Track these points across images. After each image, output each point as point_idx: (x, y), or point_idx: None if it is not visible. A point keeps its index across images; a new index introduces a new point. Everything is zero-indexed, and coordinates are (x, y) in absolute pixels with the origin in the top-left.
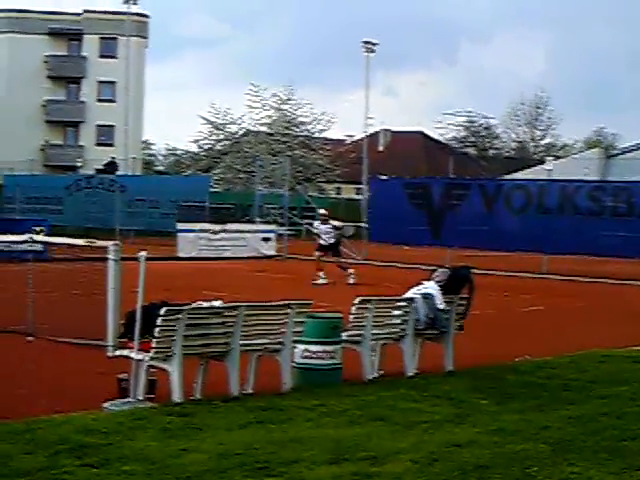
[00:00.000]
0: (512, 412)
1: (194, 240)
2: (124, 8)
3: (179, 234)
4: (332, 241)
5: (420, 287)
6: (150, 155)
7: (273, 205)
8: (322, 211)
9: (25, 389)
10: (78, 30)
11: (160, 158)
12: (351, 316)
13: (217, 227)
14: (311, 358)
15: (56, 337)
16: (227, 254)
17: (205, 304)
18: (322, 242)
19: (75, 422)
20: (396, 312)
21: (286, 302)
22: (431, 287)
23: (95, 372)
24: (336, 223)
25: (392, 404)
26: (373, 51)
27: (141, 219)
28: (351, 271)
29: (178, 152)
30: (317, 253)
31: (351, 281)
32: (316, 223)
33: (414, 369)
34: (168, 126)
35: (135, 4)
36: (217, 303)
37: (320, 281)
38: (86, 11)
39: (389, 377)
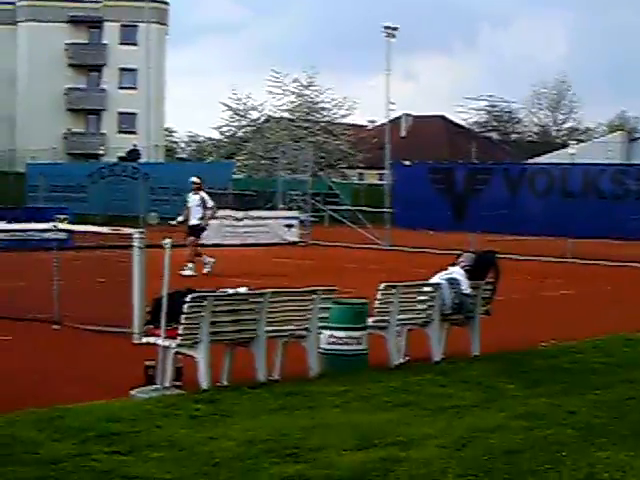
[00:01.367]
0: (539, 397)
1: (217, 227)
2: None
3: None
4: (194, 222)
5: (446, 272)
6: (172, 142)
7: (296, 191)
8: (192, 179)
9: (52, 377)
10: (98, 18)
11: (182, 145)
12: (376, 302)
13: (240, 214)
14: (337, 344)
15: (82, 325)
16: (250, 240)
17: (230, 291)
18: (191, 222)
19: (103, 409)
20: (422, 297)
21: (311, 288)
22: (457, 272)
23: (121, 359)
24: (207, 198)
25: (419, 389)
26: (394, 36)
27: (164, 206)
28: (210, 259)
29: (200, 139)
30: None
31: (187, 272)
32: (189, 194)
33: (440, 354)
34: (190, 113)
35: None
36: (242, 289)
37: (187, 272)
38: None
39: (415, 362)
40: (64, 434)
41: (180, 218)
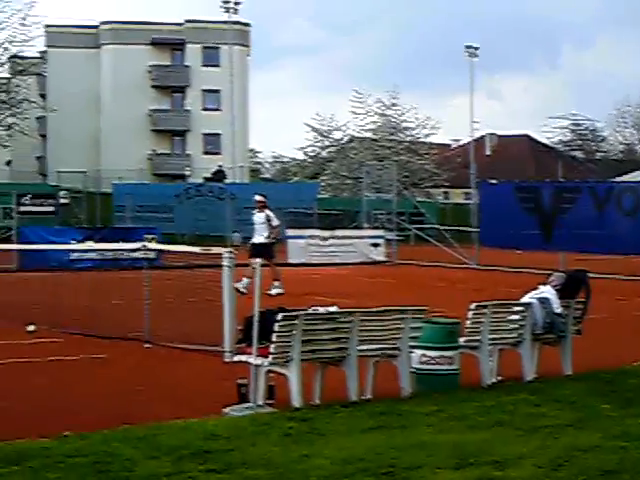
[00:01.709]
0: (635, 416)
1: (304, 246)
2: (225, 17)
3: (289, 240)
4: (260, 240)
5: (536, 291)
6: (257, 163)
7: (381, 210)
8: (256, 197)
9: (145, 395)
10: (180, 40)
11: (266, 166)
12: (468, 321)
13: (326, 233)
14: (429, 363)
15: (173, 343)
16: (336, 260)
17: (321, 309)
18: (256, 240)
19: (197, 427)
20: (513, 317)
21: (402, 307)
22: (547, 291)
23: (212, 378)
24: (272, 216)
25: (512, 409)
26: (476, 55)
27: (250, 226)
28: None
29: (284, 160)
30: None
31: (273, 292)
32: (254, 212)
33: (532, 374)
34: (273, 134)
35: (236, 13)
36: (333, 309)
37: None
38: (188, 21)
39: (507, 382)
40: (159, 452)
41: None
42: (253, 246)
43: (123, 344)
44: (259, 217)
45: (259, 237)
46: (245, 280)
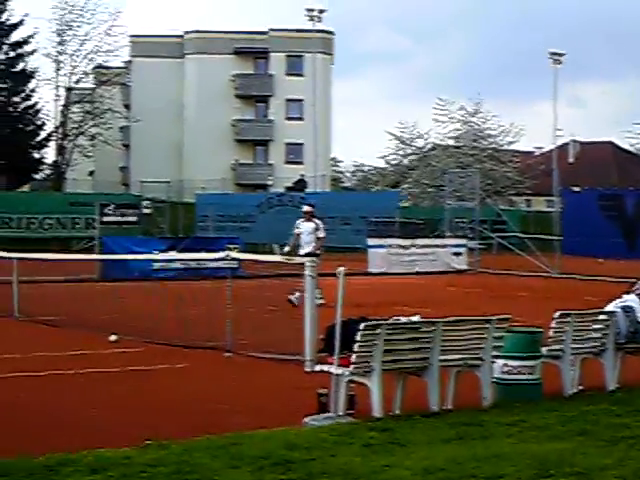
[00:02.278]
0: None
1: (385, 255)
2: (309, 25)
3: (370, 249)
4: (308, 250)
5: (620, 300)
6: (338, 172)
7: (463, 219)
8: (305, 208)
9: (226, 404)
10: (264, 49)
11: (347, 175)
12: (551, 330)
13: (407, 242)
14: (511, 373)
15: (253, 352)
16: (418, 269)
17: (404, 319)
18: (304, 250)
19: (277, 437)
20: (596, 326)
21: (485, 317)
22: (632, 300)
23: (293, 387)
24: (321, 227)
25: (595, 419)
26: (560, 62)
27: (331, 235)
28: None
29: (365, 168)
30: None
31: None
32: (299, 221)
33: (615, 383)
34: (355, 142)
35: (320, 21)
36: (415, 318)
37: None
38: (272, 30)
39: (589, 392)
40: (240, 461)
41: (287, 248)
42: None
43: (204, 353)
44: (307, 227)
45: (307, 247)
46: (298, 293)
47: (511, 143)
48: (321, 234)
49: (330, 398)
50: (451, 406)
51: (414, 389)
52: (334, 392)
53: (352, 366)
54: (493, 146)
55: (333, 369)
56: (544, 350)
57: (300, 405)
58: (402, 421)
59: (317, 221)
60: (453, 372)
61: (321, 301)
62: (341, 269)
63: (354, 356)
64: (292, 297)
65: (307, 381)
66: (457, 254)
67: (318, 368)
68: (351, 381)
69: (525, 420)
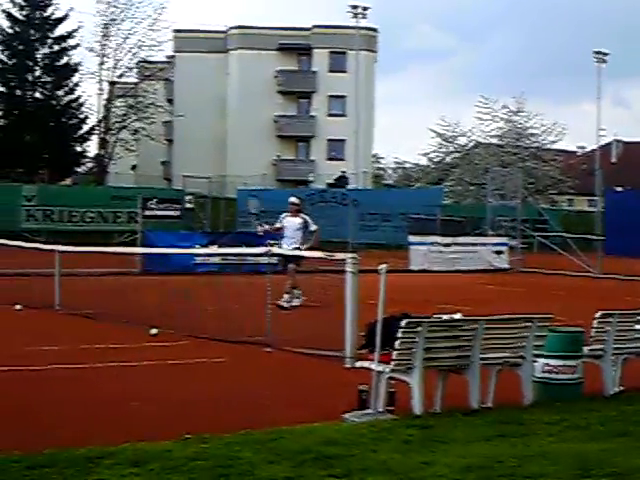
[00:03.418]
0: None
1: (426, 253)
2: (353, 22)
3: (411, 247)
4: (294, 247)
5: None
6: (379, 169)
7: (504, 217)
8: (292, 199)
9: (266, 399)
10: (308, 45)
11: (389, 172)
12: (593, 330)
13: (448, 240)
14: (552, 372)
15: (293, 348)
16: (459, 267)
17: (445, 317)
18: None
19: (317, 432)
20: (638, 326)
21: (527, 315)
22: None
23: (333, 383)
24: (310, 221)
25: (636, 419)
26: (604, 61)
27: (372, 232)
28: (299, 292)
29: (407, 165)
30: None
31: (295, 303)
32: (283, 215)
33: None
34: (397, 139)
35: (364, 18)
36: (457, 316)
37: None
38: (315, 26)
39: (630, 392)
40: (280, 456)
41: (266, 227)
42: (285, 257)
43: (244, 348)
44: (293, 223)
45: (293, 244)
46: (286, 296)
47: (554, 142)
48: (313, 227)
49: (370, 395)
50: (491, 404)
51: (454, 386)
52: (374, 389)
53: (393, 363)
54: (536, 145)
55: (374, 366)
56: (585, 350)
57: (340, 401)
58: (442, 418)
59: (305, 216)
60: (494, 370)
61: (297, 302)
62: (383, 266)
63: (395, 353)
64: (282, 301)
65: (347, 377)
66: (499, 253)
67: (359, 364)
68: (391, 378)
69: (566, 419)
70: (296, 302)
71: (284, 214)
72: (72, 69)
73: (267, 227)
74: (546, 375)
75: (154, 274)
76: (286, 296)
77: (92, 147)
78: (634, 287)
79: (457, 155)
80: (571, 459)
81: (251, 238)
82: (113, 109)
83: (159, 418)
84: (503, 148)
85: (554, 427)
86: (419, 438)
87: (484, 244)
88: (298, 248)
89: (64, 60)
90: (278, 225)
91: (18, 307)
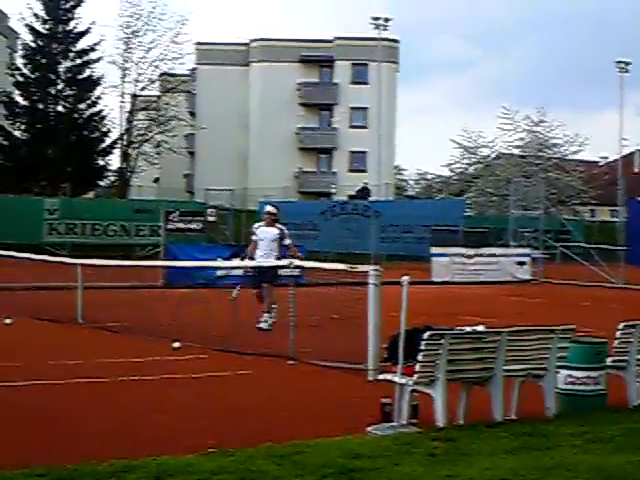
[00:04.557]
0: None
1: (448, 264)
2: (375, 34)
3: (433, 258)
4: (270, 262)
5: None
6: (401, 180)
7: (527, 228)
8: (268, 208)
9: (289, 412)
10: (329, 57)
11: (411, 183)
12: (616, 341)
13: (471, 251)
14: (575, 384)
15: (317, 361)
16: (481, 278)
17: (468, 329)
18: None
19: (341, 446)
20: None
21: (550, 327)
22: None
23: (356, 396)
24: (286, 233)
25: None
26: (627, 71)
27: (394, 244)
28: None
29: (429, 177)
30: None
31: (264, 325)
32: (256, 225)
33: None
34: (419, 151)
35: (386, 29)
36: (480, 328)
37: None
38: (337, 38)
39: None
40: (304, 470)
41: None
42: (259, 270)
43: (267, 361)
44: (268, 233)
45: (267, 258)
46: (266, 315)
47: (576, 152)
48: (288, 241)
49: (393, 407)
50: (515, 416)
51: (477, 399)
52: (398, 401)
53: (416, 376)
54: (558, 155)
55: (397, 378)
56: (609, 361)
57: (363, 414)
58: (465, 431)
59: (281, 227)
60: (517, 382)
61: (266, 325)
62: (405, 278)
63: (418, 366)
64: (262, 324)
65: (370, 390)
66: (521, 264)
67: (382, 377)
68: (415, 390)
69: (589, 431)
70: (270, 320)
71: (258, 224)
72: (94, 82)
73: (248, 253)
74: (569, 387)
75: (176, 287)
76: (265, 316)
77: (114, 160)
78: None
79: (479, 166)
80: (594, 471)
81: None
82: (135, 122)
83: (182, 431)
84: (525, 159)
85: (577, 439)
86: (443, 451)
87: (507, 255)
88: (274, 266)
89: (86, 73)
90: (254, 238)
91: (8, 321)
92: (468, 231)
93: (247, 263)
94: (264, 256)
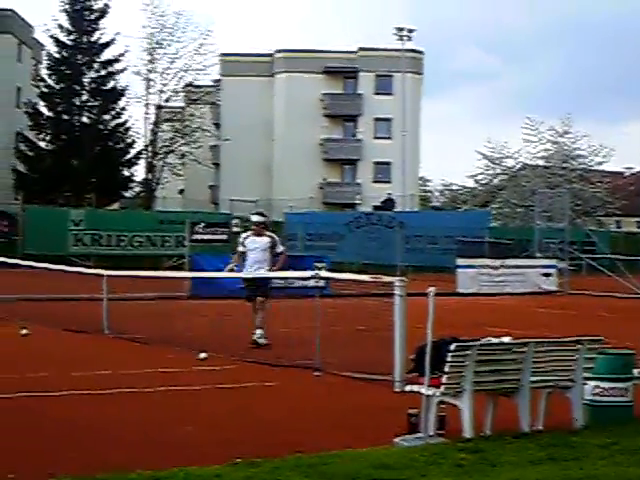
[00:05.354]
0: None
1: (474, 276)
2: (399, 44)
3: (458, 270)
4: (262, 273)
5: None
6: (426, 191)
7: (552, 239)
8: (255, 218)
9: (315, 423)
10: (353, 68)
11: (436, 194)
12: None
13: (497, 262)
14: (602, 395)
15: (343, 372)
16: (507, 290)
17: (494, 340)
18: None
19: (368, 457)
20: None
21: (577, 338)
22: None
23: (382, 407)
24: (278, 241)
25: None
26: None
27: (419, 255)
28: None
29: (454, 187)
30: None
31: (262, 340)
32: (244, 235)
33: None
34: (443, 161)
35: (410, 40)
36: (506, 339)
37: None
38: (361, 49)
39: None
40: None
41: (230, 266)
42: (250, 282)
43: (293, 372)
44: (258, 243)
45: (258, 269)
46: (260, 331)
47: (601, 163)
48: (281, 248)
49: (420, 418)
50: (542, 427)
51: (504, 409)
52: (424, 412)
53: (443, 387)
54: (583, 166)
55: (424, 390)
56: (636, 372)
57: (390, 425)
58: (493, 442)
59: (271, 234)
60: (544, 393)
61: (263, 340)
62: (432, 289)
63: (445, 377)
64: (261, 339)
65: (396, 401)
66: (547, 275)
67: (408, 388)
68: (441, 401)
69: (617, 443)
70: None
71: (245, 234)
72: (119, 93)
73: (231, 264)
74: (596, 398)
75: (202, 298)
76: (259, 331)
77: (139, 171)
78: None
79: (504, 177)
80: None
81: (298, 261)
82: (160, 133)
83: (209, 442)
84: (550, 170)
85: (605, 450)
86: (470, 462)
87: (532, 266)
88: (267, 278)
89: (111, 84)
90: (241, 249)
91: (24, 331)
92: (493, 242)
93: (241, 274)
94: (255, 267)
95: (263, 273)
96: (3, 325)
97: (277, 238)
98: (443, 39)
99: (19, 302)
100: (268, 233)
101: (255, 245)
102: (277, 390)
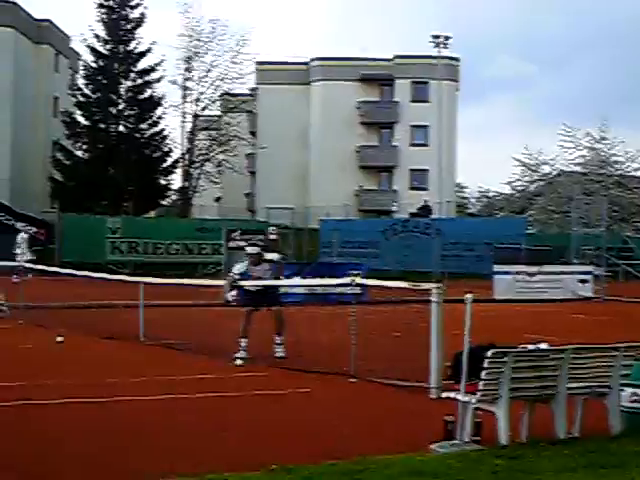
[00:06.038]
0: None
1: (511, 282)
2: (435, 52)
3: (495, 276)
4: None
5: None
6: (463, 198)
7: (589, 246)
8: (250, 249)
9: (350, 430)
10: (389, 75)
11: (472, 201)
12: None
13: (533, 269)
14: (639, 402)
15: (378, 379)
16: (544, 296)
17: (531, 346)
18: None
19: (404, 463)
20: None
21: (614, 344)
22: None
23: (418, 413)
24: (276, 257)
25: None
26: None
27: (456, 261)
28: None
29: (490, 194)
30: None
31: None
32: (239, 266)
33: None
34: (480, 168)
35: (446, 47)
36: (543, 346)
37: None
38: (397, 56)
39: None
40: None
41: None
42: (259, 291)
43: (329, 378)
44: (259, 270)
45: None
46: (243, 352)
47: (638, 169)
48: (276, 257)
49: (456, 425)
50: (578, 434)
51: (540, 416)
52: (461, 419)
53: (479, 393)
54: (620, 173)
55: (460, 396)
56: None
57: (426, 432)
58: (529, 449)
59: (270, 257)
60: (580, 400)
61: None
62: (469, 296)
63: (481, 383)
64: (280, 352)
65: (432, 408)
66: (584, 281)
67: (444, 395)
68: (478, 408)
69: None
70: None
71: (243, 265)
72: (155, 102)
73: (233, 293)
74: (633, 405)
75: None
76: (279, 339)
77: (176, 179)
78: None
79: (541, 183)
80: None
81: (334, 268)
82: (196, 141)
83: (245, 448)
84: (587, 176)
85: None
86: (506, 468)
87: (569, 273)
88: (277, 278)
89: (147, 93)
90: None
91: (60, 339)
92: (530, 249)
93: (252, 283)
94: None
95: (271, 282)
96: (41, 333)
97: (276, 257)
98: (479, 46)
99: (57, 309)
100: (269, 256)
101: (257, 272)
102: (313, 396)
